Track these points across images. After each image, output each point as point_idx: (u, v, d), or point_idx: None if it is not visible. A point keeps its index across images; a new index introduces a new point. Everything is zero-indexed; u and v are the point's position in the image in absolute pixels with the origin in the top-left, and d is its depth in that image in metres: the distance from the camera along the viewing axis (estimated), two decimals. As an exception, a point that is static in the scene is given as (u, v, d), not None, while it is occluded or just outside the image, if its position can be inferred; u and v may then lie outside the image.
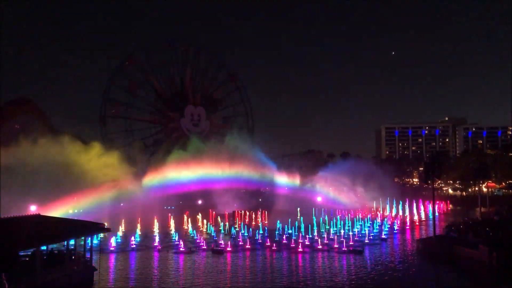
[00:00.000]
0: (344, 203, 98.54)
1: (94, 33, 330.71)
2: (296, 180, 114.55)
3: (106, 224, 44.53)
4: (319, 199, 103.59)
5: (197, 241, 57.92)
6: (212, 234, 64.03)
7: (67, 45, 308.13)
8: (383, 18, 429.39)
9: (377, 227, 68.28)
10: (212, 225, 68.95)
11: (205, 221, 74.11)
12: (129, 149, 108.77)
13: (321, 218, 75.44)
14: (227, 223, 71.36)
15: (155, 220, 69.45)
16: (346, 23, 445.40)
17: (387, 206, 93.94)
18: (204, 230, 70.13)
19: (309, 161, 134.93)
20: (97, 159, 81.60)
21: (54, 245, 37.41)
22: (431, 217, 75.79)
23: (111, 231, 47.79)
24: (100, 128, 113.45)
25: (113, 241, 54.26)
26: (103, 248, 51.22)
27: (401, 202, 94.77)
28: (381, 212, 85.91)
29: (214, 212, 79.70)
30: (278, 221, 66.99)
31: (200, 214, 79.47)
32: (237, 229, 63.63)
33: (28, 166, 66.29)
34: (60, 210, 64.23)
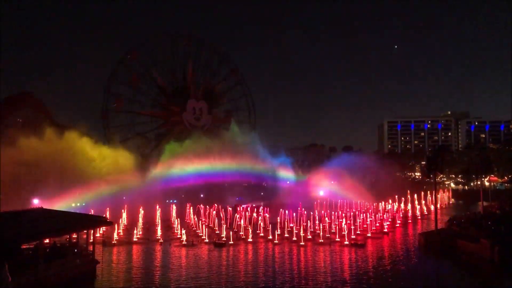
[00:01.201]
0: (347, 196, 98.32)
1: (96, 28, 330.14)
2: (298, 174, 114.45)
3: (108, 217, 44.80)
4: (321, 192, 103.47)
5: (199, 234, 58.09)
6: (214, 227, 64.20)
7: (68, 40, 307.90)
8: (386, 12, 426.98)
9: (379, 221, 68.24)
10: (214, 218, 69.00)
11: (207, 214, 74.27)
12: (132, 143, 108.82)
13: (323, 211, 75.43)
14: (229, 216, 71.38)
15: (158, 213, 69.60)
16: (349, 18, 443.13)
17: (389, 200, 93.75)
18: (206, 223, 70.23)
19: (311, 155, 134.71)
20: (102, 152, 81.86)
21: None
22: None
23: (113, 224, 48.05)
24: (102, 122, 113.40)
25: (115, 234, 54.45)
26: (105, 241, 51.51)
27: (403, 196, 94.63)
28: (383, 205, 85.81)
29: (216, 205, 79.77)
30: (280, 214, 66.98)
31: (202, 207, 79.57)
32: (239, 222, 63.73)
33: (36, 160, 66.51)
34: (63, 203, 64.39)
